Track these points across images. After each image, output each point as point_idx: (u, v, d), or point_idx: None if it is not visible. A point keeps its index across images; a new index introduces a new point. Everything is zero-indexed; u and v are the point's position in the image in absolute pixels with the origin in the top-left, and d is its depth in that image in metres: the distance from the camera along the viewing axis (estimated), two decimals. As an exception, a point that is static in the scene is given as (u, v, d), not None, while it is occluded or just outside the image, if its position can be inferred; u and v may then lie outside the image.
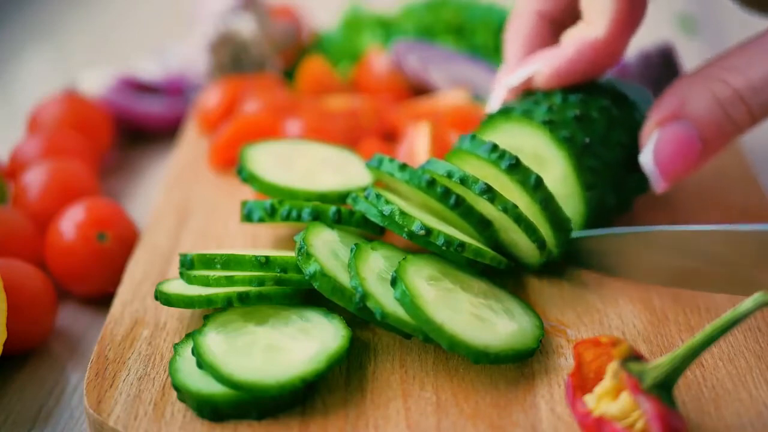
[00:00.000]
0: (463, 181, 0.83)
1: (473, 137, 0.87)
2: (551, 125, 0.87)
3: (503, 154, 0.85)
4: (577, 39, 0.87)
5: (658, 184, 0.86)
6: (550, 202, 0.85)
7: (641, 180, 0.93)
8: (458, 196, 0.85)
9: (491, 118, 0.90)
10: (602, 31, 0.86)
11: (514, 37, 0.95)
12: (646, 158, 0.86)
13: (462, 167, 0.87)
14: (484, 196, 0.82)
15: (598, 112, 0.90)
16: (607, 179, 0.90)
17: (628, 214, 0.98)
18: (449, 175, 0.84)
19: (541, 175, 0.89)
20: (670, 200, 1.01)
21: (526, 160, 0.89)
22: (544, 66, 0.89)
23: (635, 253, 0.85)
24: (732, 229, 0.79)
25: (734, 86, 0.82)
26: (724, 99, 0.82)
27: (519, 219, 0.83)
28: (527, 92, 0.93)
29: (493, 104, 0.95)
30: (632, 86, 1.00)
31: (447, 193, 0.85)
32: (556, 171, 0.88)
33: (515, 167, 0.84)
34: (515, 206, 0.83)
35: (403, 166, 0.87)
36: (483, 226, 0.86)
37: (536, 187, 0.84)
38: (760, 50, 0.82)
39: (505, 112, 0.89)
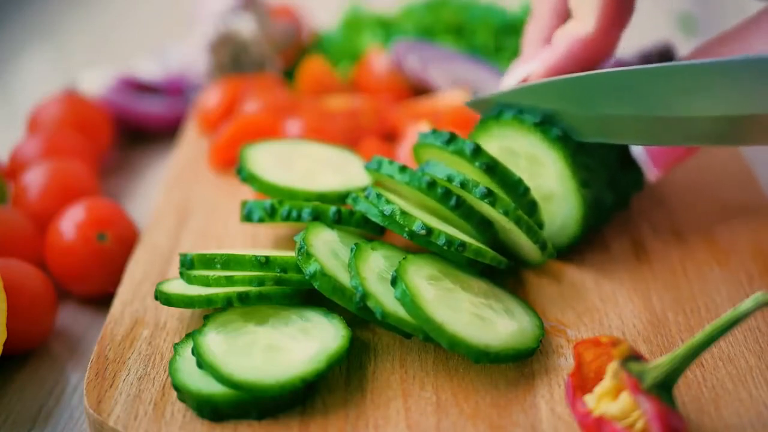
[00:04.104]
0: (464, 185, 0.84)
1: (434, 131, 0.88)
2: (543, 126, 0.87)
3: (461, 143, 0.85)
4: (567, 36, 0.88)
5: (651, 173, 0.86)
6: (497, 170, 0.85)
7: (637, 177, 0.93)
8: (459, 198, 0.85)
9: (484, 122, 0.90)
10: (591, 27, 0.86)
11: (533, 37, 0.95)
12: (638, 147, 0.86)
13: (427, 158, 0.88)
14: (486, 200, 0.83)
15: None
16: (603, 177, 0.90)
17: (625, 212, 0.98)
18: (449, 179, 0.84)
19: (538, 175, 0.89)
20: (667, 198, 1.01)
21: (520, 162, 0.89)
22: (537, 66, 0.89)
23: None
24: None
25: None
26: None
27: (520, 221, 0.83)
28: None
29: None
30: None
31: (447, 194, 0.85)
32: (551, 170, 0.88)
33: (477, 153, 0.85)
34: (516, 208, 0.83)
35: (403, 168, 0.87)
36: (483, 226, 0.86)
37: (475, 154, 0.85)
38: (745, 41, 0.82)
39: (496, 115, 0.89)
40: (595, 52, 0.87)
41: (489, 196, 0.83)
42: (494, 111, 0.90)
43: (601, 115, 0.84)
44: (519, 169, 0.90)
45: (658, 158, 0.86)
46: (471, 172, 0.86)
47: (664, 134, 0.81)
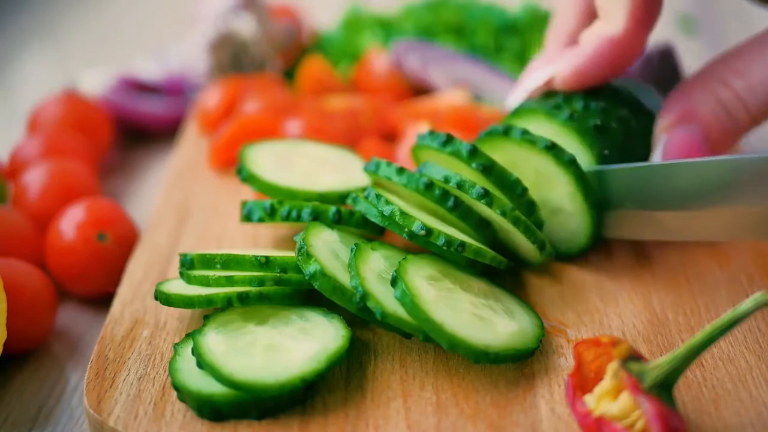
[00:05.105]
0: (461, 185, 0.83)
1: (431, 133, 0.88)
2: (554, 150, 0.86)
3: (458, 145, 0.85)
4: (594, 37, 0.87)
5: None
6: (502, 176, 0.85)
7: None
8: (456, 198, 0.85)
9: (490, 134, 0.89)
10: (620, 27, 0.85)
11: (555, 34, 0.95)
12: (657, 161, 0.86)
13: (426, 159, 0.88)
14: (482, 201, 0.82)
15: (617, 122, 0.89)
16: None
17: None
18: (446, 180, 0.84)
19: (546, 189, 0.88)
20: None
21: (527, 175, 0.88)
22: (564, 66, 0.89)
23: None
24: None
25: (734, 88, 0.83)
26: (726, 100, 0.83)
27: (518, 221, 0.83)
28: (549, 93, 0.92)
29: (511, 103, 0.95)
30: (644, 89, 0.99)
31: (445, 195, 0.85)
32: (562, 189, 0.87)
33: (474, 154, 0.85)
34: (513, 209, 0.83)
35: (401, 170, 0.86)
36: (482, 226, 0.86)
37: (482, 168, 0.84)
38: (758, 53, 0.82)
39: (504, 131, 0.88)
40: (623, 53, 0.86)
41: (486, 196, 0.83)
42: (500, 128, 0.88)
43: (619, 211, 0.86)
44: (525, 180, 0.89)
45: None
46: (469, 173, 0.86)
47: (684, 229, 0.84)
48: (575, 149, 0.88)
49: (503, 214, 0.83)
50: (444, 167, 0.86)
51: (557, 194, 0.88)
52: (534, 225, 0.86)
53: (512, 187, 0.85)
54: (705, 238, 0.84)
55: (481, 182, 0.85)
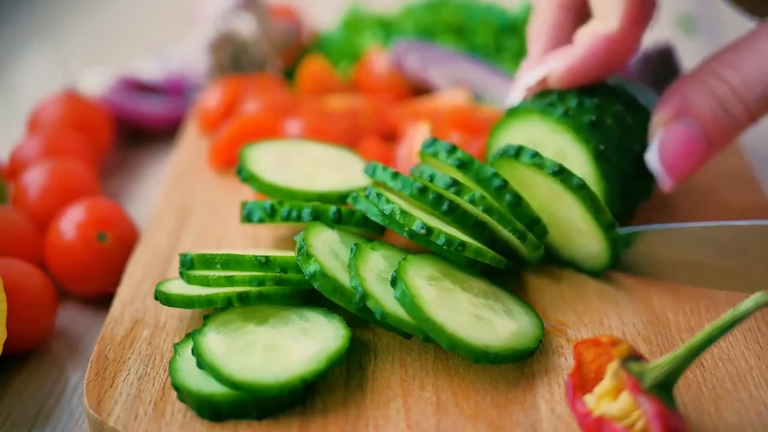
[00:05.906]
0: (432, 178, 0.84)
1: (434, 141, 0.88)
2: (562, 175, 0.84)
3: (456, 153, 0.85)
4: (589, 35, 0.87)
5: (665, 183, 0.86)
6: (513, 197, 0.85)
7: (649, 186, 0.92)
8: (451, 203, 0.84)
9: (503, 156, 0.87)
10: (615, 25, 0.85)
11: (536, 32, 0.95)
12: (652, 157, 0.86)
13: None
14: (451, 190, 0.82)
15: (612, 118, 0.89)
16: (617, 188, 0.89)
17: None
18: (431, 179, 0.84)
19: (564, 210, 0.87)
20: (670, 201, 1.01)
21: (542, 197, 0.88)
22: (558, 64, 0.89)
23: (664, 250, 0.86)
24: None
25: (730, 82, 0.83)
26: (722, 95, 0.83)
27: (490, 210, 0.83)
28: (544, 92, 0.92)
29: (511, 101, 0.95)
30: (640, 88, 0.99)
31: (439, 198, 0.84)
32: (574, 211, 0.86)
33: (468, 165, 0.85)
34: (483, 197, 0.83)
35: (396, 174, 0.86)
36: (478, 229, 0.86)
37: (500, 188, 0.84)
38: (752, 46, 0.83)
39: (515, 154, 0.86)
40: (618, 51, 0.86)
41: (454, 185, 0.82)
42: (511, 150, 0.87)
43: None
44: (541, 200, 0.88)
45: (671, 168, 0.85)
46: (459, 176, 0.86)
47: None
48: (571, 146, 0.88)
49: (472, 202, 0.82)
50: (429, 167, 0.86)
51: (572, 214, 0.87)
52: (529, 223, 0.85)
53: (488, 181, 0.84)
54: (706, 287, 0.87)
55: (468, 183, 0.85)
